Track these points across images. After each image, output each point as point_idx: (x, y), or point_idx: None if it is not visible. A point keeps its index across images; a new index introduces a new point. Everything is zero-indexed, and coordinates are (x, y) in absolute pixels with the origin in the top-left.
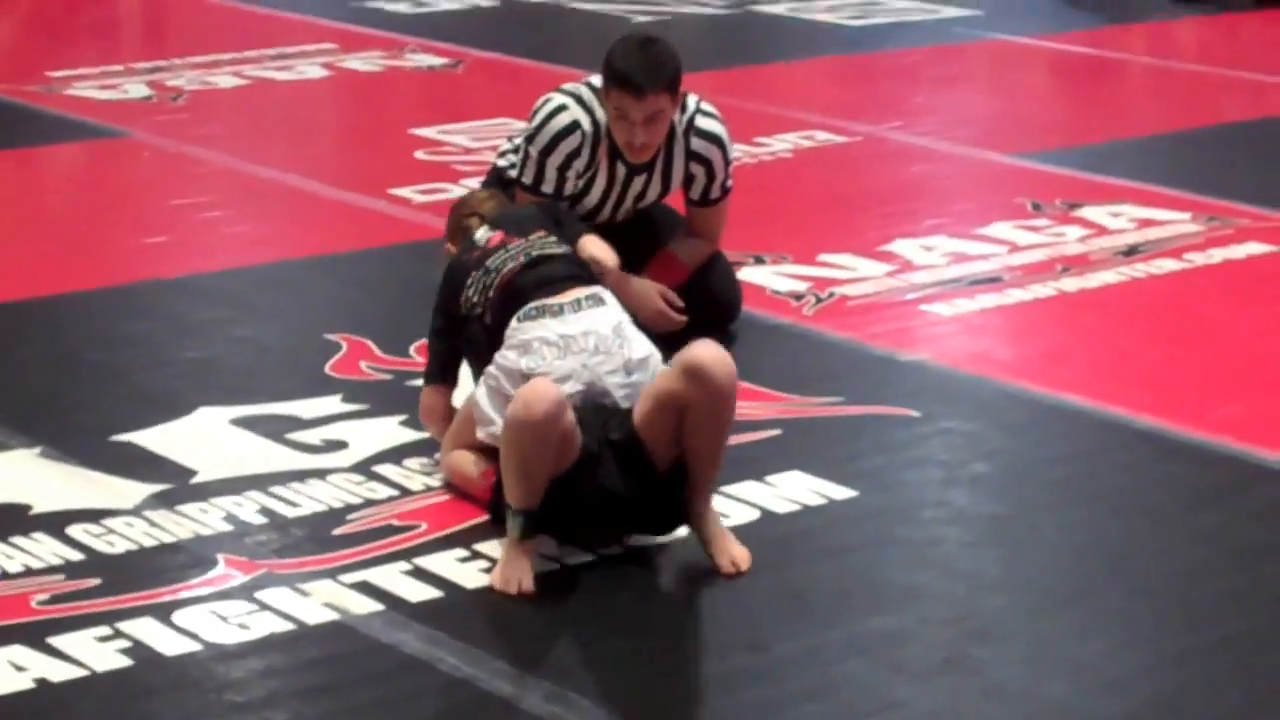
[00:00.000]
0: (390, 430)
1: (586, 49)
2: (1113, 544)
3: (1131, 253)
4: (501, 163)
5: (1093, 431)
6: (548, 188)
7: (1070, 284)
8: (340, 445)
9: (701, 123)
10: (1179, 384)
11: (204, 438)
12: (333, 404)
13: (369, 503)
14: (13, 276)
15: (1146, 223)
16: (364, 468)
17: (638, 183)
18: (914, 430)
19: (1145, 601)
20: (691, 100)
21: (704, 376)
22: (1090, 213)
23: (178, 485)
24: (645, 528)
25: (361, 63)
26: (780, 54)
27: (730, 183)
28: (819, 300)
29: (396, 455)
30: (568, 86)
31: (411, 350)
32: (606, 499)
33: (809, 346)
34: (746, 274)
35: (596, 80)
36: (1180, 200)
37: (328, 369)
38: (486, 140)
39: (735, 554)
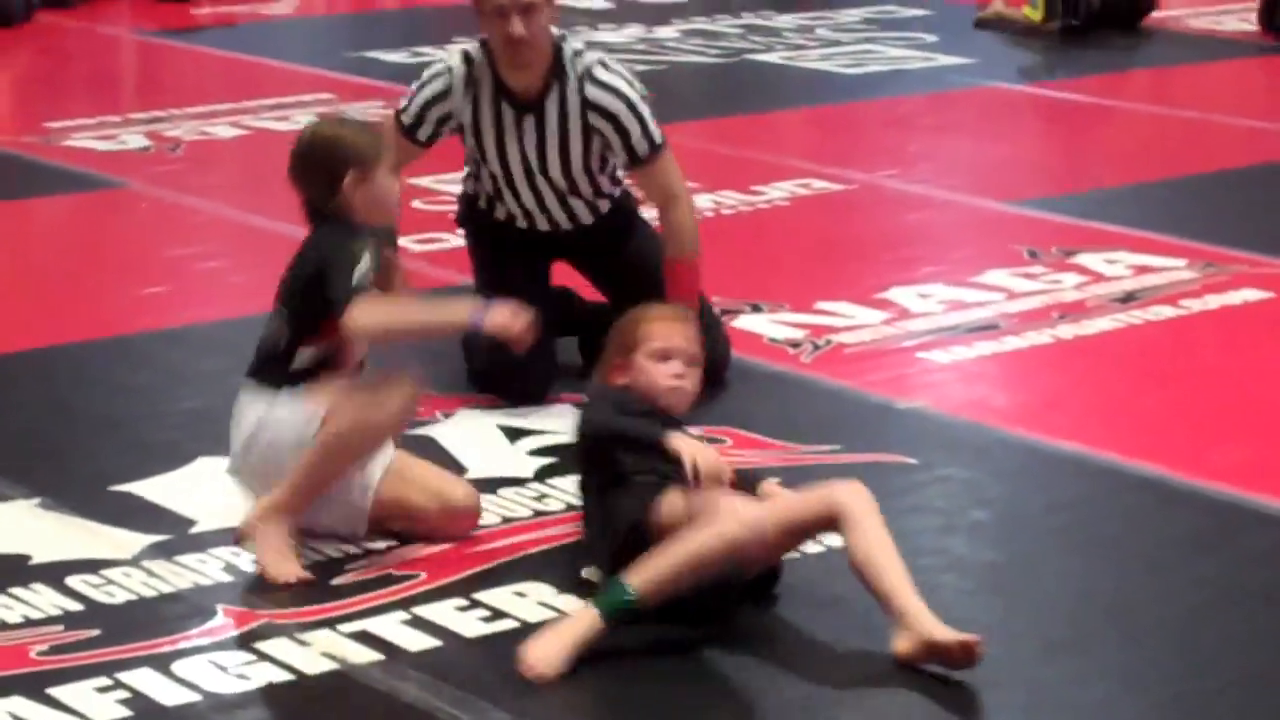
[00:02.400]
0: None
1: None
2: (1111, 590)
3: (1128, 299)
4: (466, 188)
5: (1090, 478)
6: (413, 123)
7: (1067, 331)
8: None
9: (599, 73)
10: (1176, 430)
11: (202, 488)
12: None
13: (367, 552)
14: (10, 327)
15: (1143, 269)
16: None
17: (529, 128)
18: (911, 478)
19: (1144, 648)
20: (592, 55)
21: (854, 524)
22: (1086, 260)
23: (176, 535)
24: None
25: (359, 113)
26: (776, 103)
27: (658, 136)
28: (816, 348)
29: None
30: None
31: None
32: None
33: (806, 394)
34: (744, 322)
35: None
36: (1176, 247)
37: None
38: None
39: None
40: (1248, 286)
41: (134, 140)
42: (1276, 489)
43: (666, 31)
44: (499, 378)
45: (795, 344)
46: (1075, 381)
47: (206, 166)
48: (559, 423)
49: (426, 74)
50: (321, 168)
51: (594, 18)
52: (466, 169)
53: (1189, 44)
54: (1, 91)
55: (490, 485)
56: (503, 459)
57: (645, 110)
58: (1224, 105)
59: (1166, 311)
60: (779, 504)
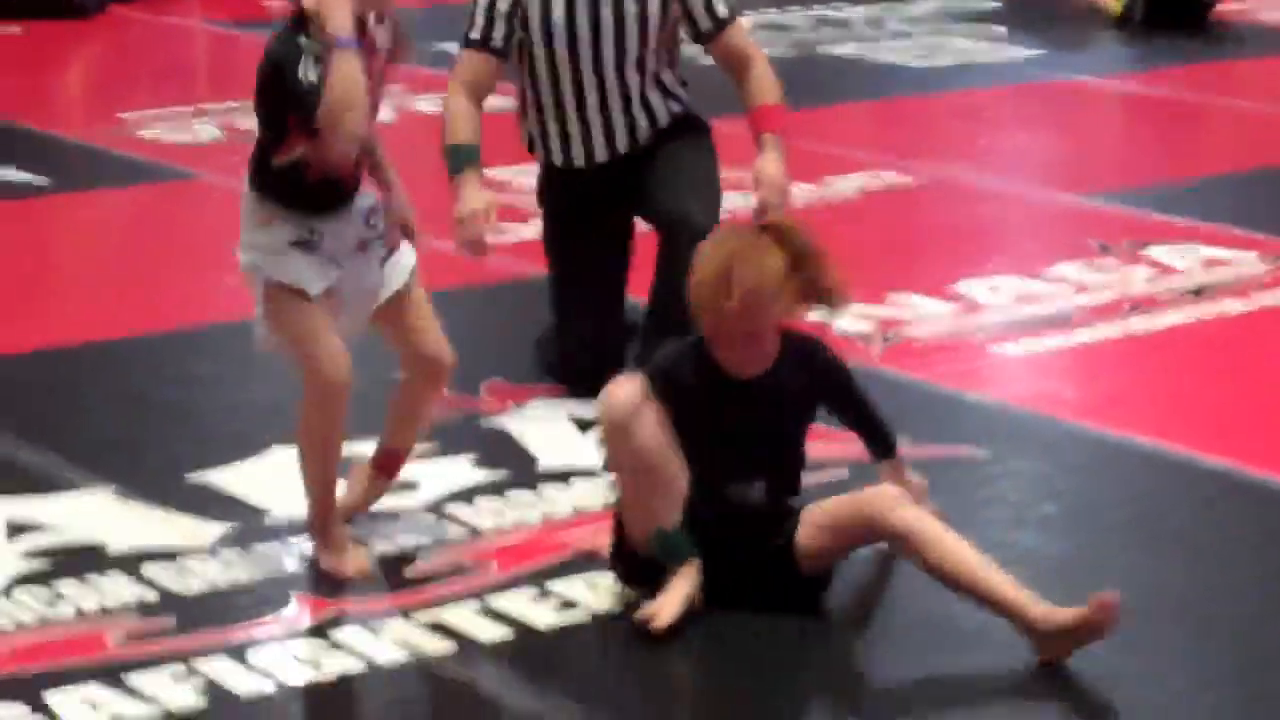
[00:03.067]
0: (461, 470)
1: None
2: (1180, 585)
3: (1199, 293)
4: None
5: (1160, 472)
6: (485, 31)
7: (1138, 324)
8: (411, 486)
9: None
10: (1246, 423)
11: (276, 477)
12: None
13: (441, 542)
14: (84, 318)
15: (1214, 262)
16: (436, 507)
17: None
18: (982, 471)
19: (1214, 642)
20: None
21: (911, 541)
22: (1157, 253)
23: (251, 525)
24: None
25: (428, 104)
26: (847, 95)
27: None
28: (886, 340)
29: (468, 495)
30: None
31: (481, 390)
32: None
33: (876, 387)
34: (816, 314)
35: None
36: (1247, 240)
37: None
38: None
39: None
40: None
41: (206, 131)
42: None
43: None
44: (575, 367)
45: (866, 337)
46: (1146, 375)
47: None
48: None
49: None
50: None
51: None
52: (521, 102)
53: (1259, 37)
54: (74, 82)
55: (562, 476)
56: (575, 450)
57: None
58: None
59: (1237, 305)
60: (840, 506)
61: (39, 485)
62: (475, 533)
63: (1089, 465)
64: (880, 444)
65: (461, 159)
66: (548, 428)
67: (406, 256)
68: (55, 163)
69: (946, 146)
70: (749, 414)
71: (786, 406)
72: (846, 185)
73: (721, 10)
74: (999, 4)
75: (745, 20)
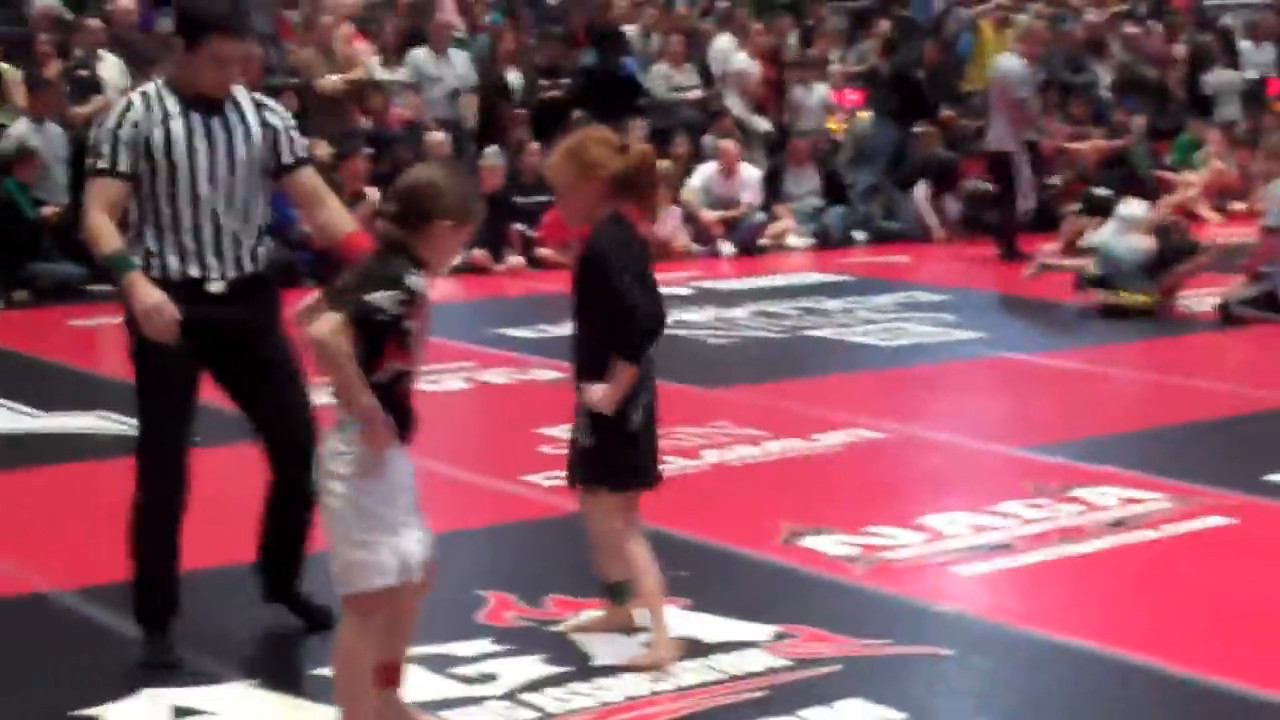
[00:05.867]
0: (533, 666)
1: (684, 366)
2: None
3: (1118, 525)
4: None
5: (1095, 667)
6: (114, 160)
7: (1069, 549)
8: (491, 678)
9: (256, 95)
10: (1165, 627)
11: None
12: (484, 645)
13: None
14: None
15: (1129, 500)
16: (512, 695)
17: (218, 126)
18: (948, 666)
19: None
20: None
21: None
22: (1082, 493)
23: None
24: None
25: (495, 376)
26: (829, 369)
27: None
28: (869, 563)
29: (540, 685)
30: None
31: (546, 602)
32: None
33: (862, 599)
34: (809, 541)
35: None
36: (1154, 483)
37: (478, 618)
38: None
39: None
40: (1213, 514)
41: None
42: (1244, 676)
43: (738, 312)
44: None
45: (851, 559)
46: (1078, 590)
47: None
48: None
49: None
50: (419, 207)
51: (679, 301)
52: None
53: (1174, 324)
54: None
55: (612, 670)
56: (623, 650)
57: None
58: (1190, 370)
59: (1149, 534)
60: None
61: (198, 679)
62: (546, 715)
63: (1035, 662)
64: None
65: (126, 262)
66: (602, 633)
67: None
68: None
69: (910, 409)
70: None
71: None
72: (832, 439)
73: (301, 150)
74: (947, 296)
75: (742, 310)
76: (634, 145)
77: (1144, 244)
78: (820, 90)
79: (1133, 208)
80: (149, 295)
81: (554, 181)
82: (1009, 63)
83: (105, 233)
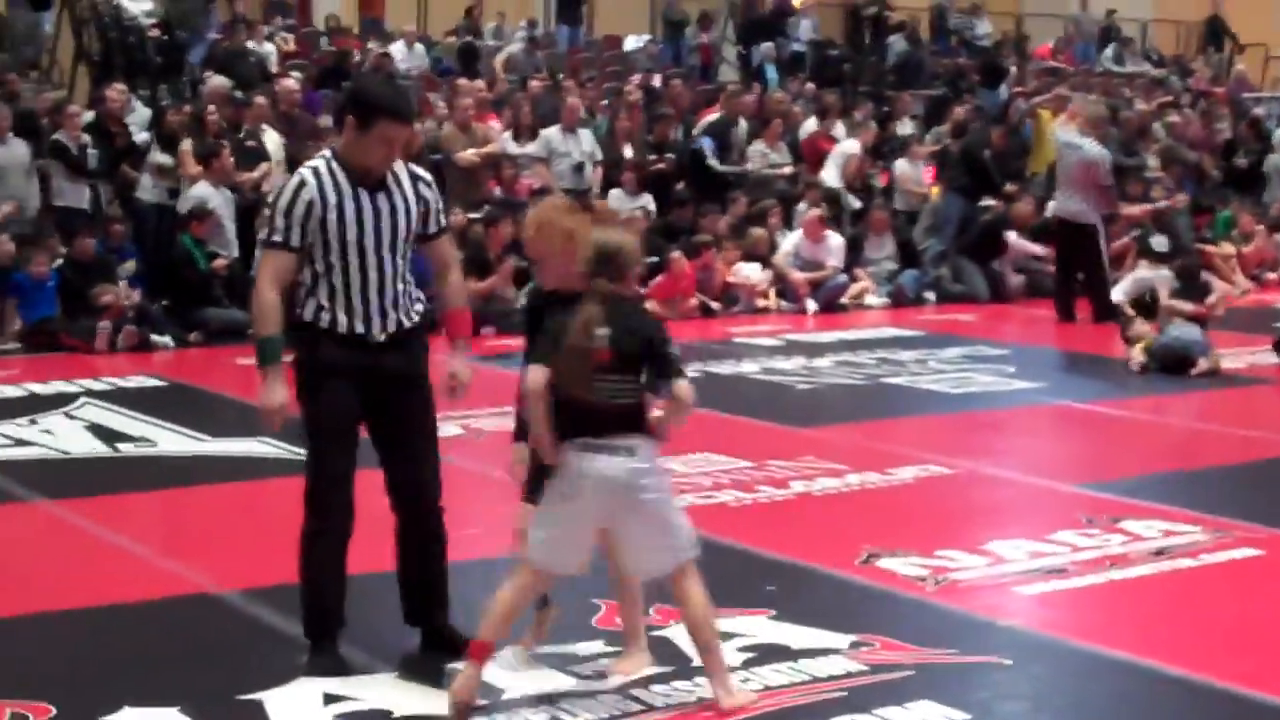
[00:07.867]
0: (639, 666)
1: (775, 408)
2: None
3: (1159, 553)
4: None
5: (1136, 676)
6: (287, 236)
7: (1116, 574)
8: (604, 675)
9: (412, 167)
10: (1199, 644)
11: (511, 669)
12: (598, 646)
13: (624, 715)
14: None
15: (1169, 532)
16: (622, 690)
17: (382, 201)
18: (1009, 673)
19: None
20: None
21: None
22: (1129, 525)
23: (492, 700)
24: None
25: None
26: (903, 412)
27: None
28: (938, 582)
29: (645, 682)
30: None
31: (651, 610)
32: None
33: (932, 614)
34: (885, 563)
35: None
36: (1193, 518)
37: (594, 623)
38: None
39: None
40: (1246, 546)
41: (449, 428)
42: (1270, 688)
43: (822, 362)
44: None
45: (922, 579)
46: (1124, 609)
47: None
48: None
49: (285, 189)
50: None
51: (770, 351)
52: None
53: (1215, 380)
54: None
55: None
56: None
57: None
58: (1227, 420)
59: (1188, 562)
60: None
61: (349, 671)
62: (649, 708)
63: (1085, 671)
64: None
65: (274, 354)
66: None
67: None
68: None
69: (975, 448)
70: None
71: None
72: (905, 473)
73: (443, 221)
74: (1007, 350)
75: (826, 360)
76: (597, 205)
77: (1190, 332)
78: (903, 167)
79: (1175, 304)
80: (276, 395)
81: (531, 252)
82: (1095, 149)
83: (269, 318)
